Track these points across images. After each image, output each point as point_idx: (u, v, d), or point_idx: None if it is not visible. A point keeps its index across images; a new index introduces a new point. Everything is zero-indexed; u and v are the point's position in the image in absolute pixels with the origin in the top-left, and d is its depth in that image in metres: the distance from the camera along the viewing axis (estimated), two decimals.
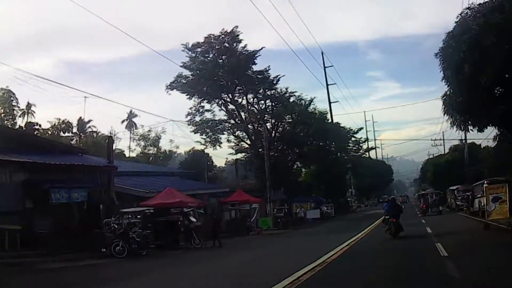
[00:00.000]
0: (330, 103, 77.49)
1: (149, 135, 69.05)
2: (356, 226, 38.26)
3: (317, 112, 64.10)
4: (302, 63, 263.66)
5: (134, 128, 75.49)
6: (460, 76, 22.37)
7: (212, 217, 32.89)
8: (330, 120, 71.54)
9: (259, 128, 56.08)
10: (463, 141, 66.35)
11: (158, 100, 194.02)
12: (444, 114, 25.68)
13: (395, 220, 24.86)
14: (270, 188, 47.73)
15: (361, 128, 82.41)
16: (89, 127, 69.22)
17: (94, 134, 68.58)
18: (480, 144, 66.74)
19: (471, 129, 25.78)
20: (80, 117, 65.82)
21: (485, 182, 32.86)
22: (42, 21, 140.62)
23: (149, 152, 69.60)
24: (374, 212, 68.03)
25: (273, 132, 59.66)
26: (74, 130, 65.49)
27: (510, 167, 42.10)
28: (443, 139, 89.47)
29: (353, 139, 78.82)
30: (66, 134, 62.57)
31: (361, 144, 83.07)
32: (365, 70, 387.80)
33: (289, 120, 60.43)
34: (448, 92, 24.75)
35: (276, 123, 59.97)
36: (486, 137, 48.40)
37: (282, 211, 50.38)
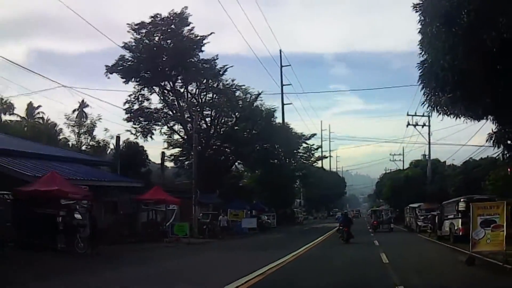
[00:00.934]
0: (283, 105, 71.94)
1: (84, 122, 63.00)
2: (295, 241, 32.97)
3: (264, 109, 58.78)
4: (265, 70, 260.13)
5: (84, 118, 68.54)
6: (452, 31, 14.44)
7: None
8: (281, 123, 67.08)
9: (197, 122, 50.61)
10: (426, 156, 62.34)
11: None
12: (421, 90, 17.61)
13: (347, 229, 30.57)
14: (196, 189, 41.25)
15: (314, 134, 77.59)
16: (38, 113, 65.20)
17: (41, 121, 64.33)
18: (445, 162, 62.65)
19: (462, 116, 17.73)
20: (30, 102, 62.89)
21: (462, 199, 27.41)
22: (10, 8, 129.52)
23: (83, 140, 62.93)
24: (322, 226, 62.80)
25: (212, 127, 55.56)
26: (23, 114, 62.37)
27: (479, 186, 37.66)
28: (403, 154, 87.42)
29: (304, 145, 73.82)
30: (9, 117, 58.84)
31: (313, 152, 77.87)
32: (328, 83, 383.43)
33: (231, 114, 55.84)
34: (429, 59, 16.65)
35: (217, 116, 55.45)
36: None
37: (208, 217, 43.31)
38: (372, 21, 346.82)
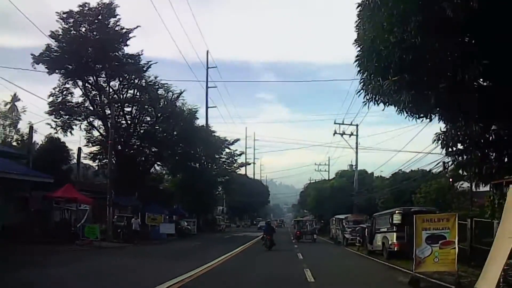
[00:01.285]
0: (207, 107, 71.43)
1: (8, 114, 61.67)
2: (213, 250, 31.43)
3: (185, 110, 57.02)
4: (192, 73, 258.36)
5: (16, 112, 67.28)
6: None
7: None
8: (204, 125, 66.25)
9: (117, 119, 49.08)
10: (353, 166, 61.17)
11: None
12: (357, 74, 14.95)
13: (270, 237, 33.09)
14: (111, 189, 38.95)
15: (238, 139, 75.73)
16: None
17: None
18: (372, 173, 62.91)
19: (407, 109, 15.07)
20: None
21: (397, 211, 25.41)
22: None
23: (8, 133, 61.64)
24: (244, 235, 61.08)
25: (132, 126, 53.43)
26: None
27: (409, 199, 36.77)
28: (329, 164, 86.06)
29: (227, 150, 72.42)
30: None
31: (236, 158, 76.40)
32: (256, 91, 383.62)
33: (153, 113, 53.68)
34: (370, 35, 13.92)
35: (138, 115, 53.56)
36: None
37: (123, 220, 40.93)
38: (302, 32, 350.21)
